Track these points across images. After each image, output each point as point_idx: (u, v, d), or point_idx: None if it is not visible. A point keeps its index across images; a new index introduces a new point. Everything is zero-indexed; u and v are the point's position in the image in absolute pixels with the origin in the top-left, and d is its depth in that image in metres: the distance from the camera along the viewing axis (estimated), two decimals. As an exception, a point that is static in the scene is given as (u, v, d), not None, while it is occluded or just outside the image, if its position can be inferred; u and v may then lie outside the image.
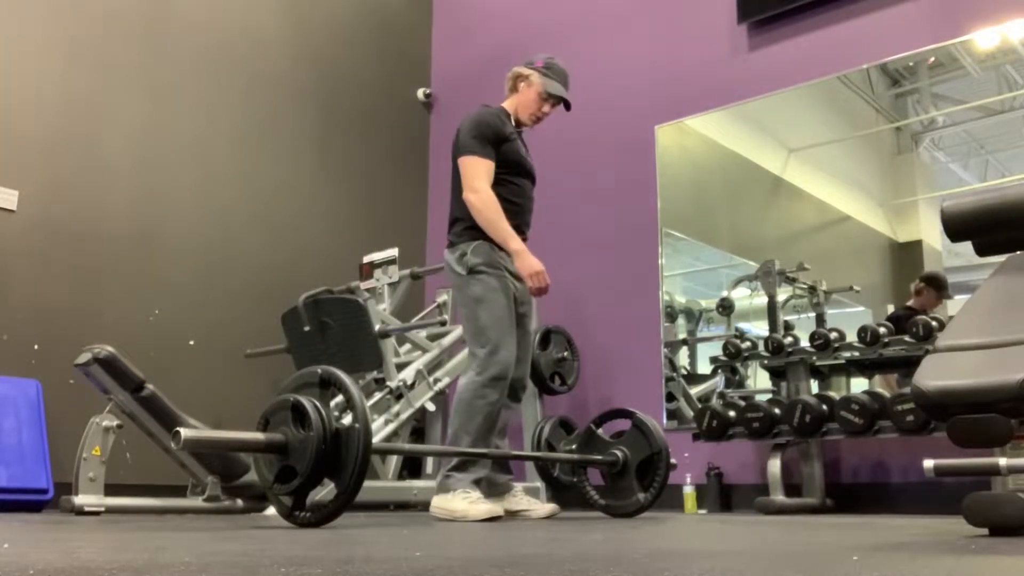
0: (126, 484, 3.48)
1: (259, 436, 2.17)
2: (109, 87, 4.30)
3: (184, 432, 1.98)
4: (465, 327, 3.05)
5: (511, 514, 2.91)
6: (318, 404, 2.15)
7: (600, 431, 3.12)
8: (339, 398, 2.57)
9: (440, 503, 2.75)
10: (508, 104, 3.24)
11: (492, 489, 2.94)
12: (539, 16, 5.38)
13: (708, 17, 4.63)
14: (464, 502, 2.68)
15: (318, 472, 2.13)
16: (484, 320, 2.90)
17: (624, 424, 3.11)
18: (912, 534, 1.93)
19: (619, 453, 3.01)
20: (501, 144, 3.05)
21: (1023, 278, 1.97)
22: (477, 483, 2.80)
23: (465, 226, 3.04)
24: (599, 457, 3.05)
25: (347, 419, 2.18)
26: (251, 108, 4.88)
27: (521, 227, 3.08)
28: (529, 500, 3.01)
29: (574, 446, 3.41)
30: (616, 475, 3.03)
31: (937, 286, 3.75)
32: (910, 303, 3.81)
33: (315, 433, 2.10)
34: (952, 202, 2.11)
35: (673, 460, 3.07)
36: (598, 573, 1.01)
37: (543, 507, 2.99)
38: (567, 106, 3.26)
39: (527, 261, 2.92)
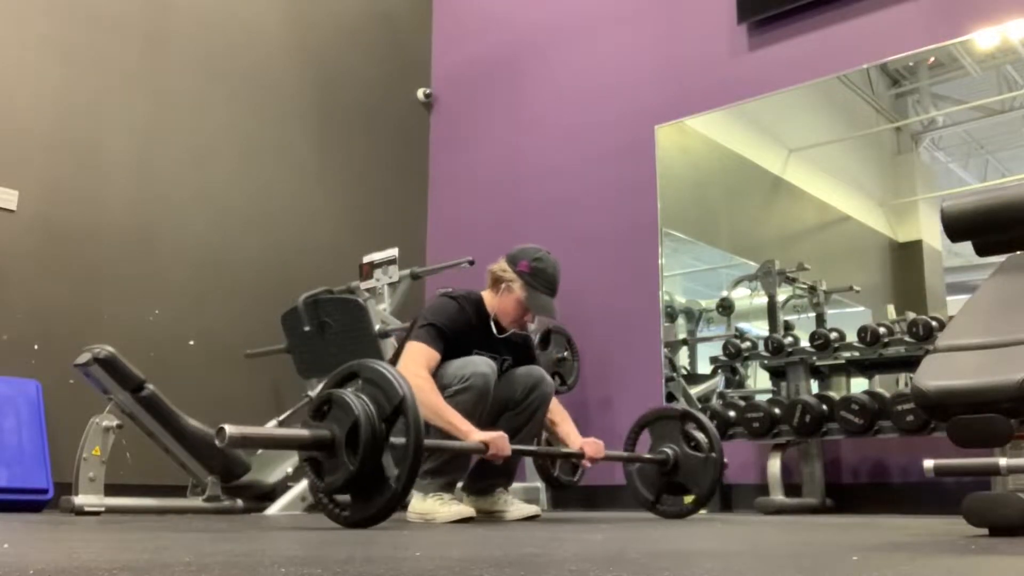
0: (126, 484, 3.48)
1: (304, 433, 2.09)
2: (109, 87, 4.30)
3: (228, 428, 1.90)
4: None
5: (487, 514, 2.84)
6: (359, 393, 2.08)
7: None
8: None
9: (413, 506, 2.70)
10: (488, 300, 2.86)
11: (472, 488, 2.89)
12: (539, 16, 5.38)
13: (708, 17, 4.63)
14: (434, 503, 2.63)
15: (377, 447, 2.03)
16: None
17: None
18: (912, 534, 1.93)
19: (669, 452, 2.96)
20: (448, 337, 2.73)
21: (1023, 278, 1.97)
22: (450, 486, 2.72)
23: None
24: (650, 456, 2.98)
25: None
26: (251, 108, 4.88)
27: None
28: (509, 501, 2.89)
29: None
30: (665, 474, 2.97)
31: None
32: None
33: (360, 410, 2.01)
34: (952, 202, 2.11)
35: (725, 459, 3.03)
36: (598, 573, 1.01)
37: (521, 508, 2.88)
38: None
39: (484, 435, 2.51)
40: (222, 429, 1.89)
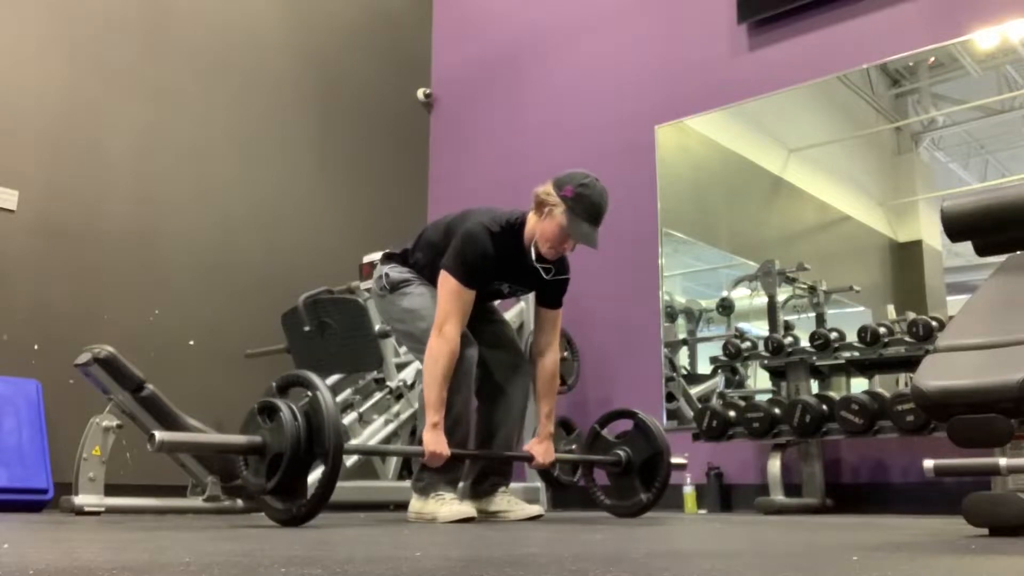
0: (126, 484, 3.48)
1: (239, 438, 2.18)
2: (109, 87, 4.30)
3: (159, 435, 1.96)
4: (406, 339, 2.93)
5: (489, 515, 2.82)
6: (282, 400, 2.19)
7: (604, 431, 3.13)
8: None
9: (413, 506, 2.70)
10: (530, 223, 2.75)
11: (474, 489, 2.87)
12: (539, 16, 5.38)
13: (708, 17, 4.63)
14: (435, 503, 2.62)
15: (301, 452, 2.13)
16: (425, 314, 2.76)
17: (628, 424, 3.12)
18: (912, 534, 1.93)
19: (622, 453, 3.03)
20: (479, 271, 2.72)
21: (1023, 278, 1.97)
22: (453, 483, 2.71)
23: (405, 260, 2.93)
24: (602, 457, 3.06)
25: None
26: (251, 109, 4.88)
27: None
28: (512, 501, 2.87)
29: (574, 446, 3.41)
30: (619, 475, 3.04)
31: None
32: None
33: (286, 417, 2.12)
34: (952, 202, 2.11)
35: (684, 460, 3.08)
36: (598, 573, 1.01)
37: (524, 509, 2.86)
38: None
39: (431, 437, 2.57)
40: (152, 435, 1.96)
